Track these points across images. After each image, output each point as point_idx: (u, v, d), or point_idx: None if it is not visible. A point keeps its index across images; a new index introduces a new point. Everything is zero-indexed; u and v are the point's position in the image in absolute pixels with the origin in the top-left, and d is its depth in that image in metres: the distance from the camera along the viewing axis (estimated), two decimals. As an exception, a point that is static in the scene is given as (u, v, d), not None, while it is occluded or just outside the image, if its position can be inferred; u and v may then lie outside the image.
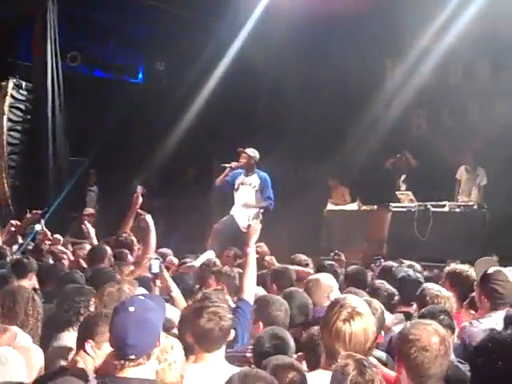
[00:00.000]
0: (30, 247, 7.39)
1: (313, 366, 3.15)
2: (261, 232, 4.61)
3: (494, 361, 2.38)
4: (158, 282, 4.71)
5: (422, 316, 3.74)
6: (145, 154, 12.61)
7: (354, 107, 11.60)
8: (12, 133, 10.84)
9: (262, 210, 8.72)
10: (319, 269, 5.66)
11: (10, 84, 10.73)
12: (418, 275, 5.15)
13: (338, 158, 11.58)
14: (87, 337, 3.16)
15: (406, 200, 9.72)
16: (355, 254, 8.78)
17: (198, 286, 5.29)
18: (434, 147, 11.16)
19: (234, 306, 4.16)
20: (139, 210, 6.27)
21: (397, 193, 10.04)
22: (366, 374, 2.51)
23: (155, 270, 4.48)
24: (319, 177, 11.56)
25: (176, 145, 12.72)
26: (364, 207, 10.20)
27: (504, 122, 10.04)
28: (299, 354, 3.39)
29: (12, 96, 10.78)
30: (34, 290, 4.88)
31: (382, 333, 3.80)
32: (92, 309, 3.86)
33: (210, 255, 6.86)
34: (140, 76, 14.07)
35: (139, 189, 7.01)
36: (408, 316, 4.57)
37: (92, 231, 7.00)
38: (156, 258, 4.67)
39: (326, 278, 4.73)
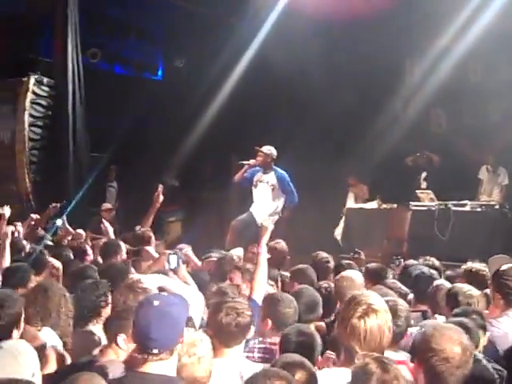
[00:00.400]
0: (50, 242, 7.43)
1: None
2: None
3: None
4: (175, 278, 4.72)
5: (455, 315, 3.71)
6: (164, 151, 12.65)
7: (374, 106, 11.55)
8: (33, 128, 10.92)
9: (282, 207, 8.75)
10: (337, 268, 5.63)
11: (32, 80, 10.80)
12: (433, 272, 5.08)
13: (358, 156, 11.53)
14: (119, 330, 3.19)
15: (426, 199, 9.65)
16: (375, 252, 8.72)
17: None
18: (454, 146, 11.08)
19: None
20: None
21: (417, 191, 9.97)
22: (389, 370, 2.48)
23: (173, 265, 4.47)
24: (339, 175, 11.52)
25: (195, 142, 12.74)
26: (384, 206, 10.15)
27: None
28: (327, 352, 3.38)
29: (33, 92, 10.85)
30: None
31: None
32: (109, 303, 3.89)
33: (238, 252, 6.84)
34: (160, 73, 14.11)
35: (160, 187, 7.03)
36: (424, 314, 4.55)
37: (110, 229, 7.04)
38: (174, 253, 4.65)
39: (359, 277, 4.72)
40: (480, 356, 3.01)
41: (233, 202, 12.22)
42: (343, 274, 4.83)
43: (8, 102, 10.92)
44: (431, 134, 12.12)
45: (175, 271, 4.46)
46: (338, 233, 10.75)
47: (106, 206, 10.57)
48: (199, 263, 6.24)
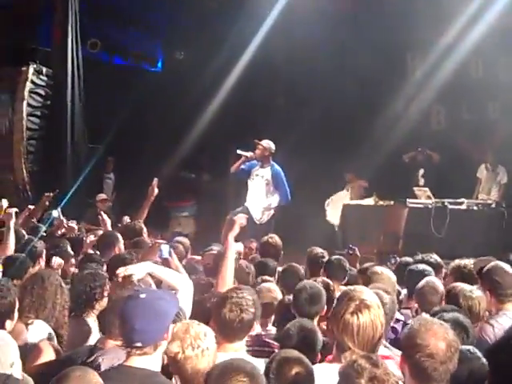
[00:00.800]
0: (44, 233, 7.39)
1: None
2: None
3: None
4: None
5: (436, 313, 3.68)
6: (162, 142, 12.62)
7: (374, 102, 11.53)
8: (31, 118, 10.91)
9: (275, 205, 8.77)
10: (327, 263, 5.52)
11: (31, 69, 10.78)
12: (427, 268, 4.96)
13: (357, 152, 11.50)
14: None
15: (423, 196, 9.63)
16: (370, 249, 8.71)
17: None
18: (453, 144, 11.05)
19: None
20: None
21: (414, 189, 9.95)
22: (379, 365, 2.47)
23: (165, 255, 4.46)
24: (338, 171, 11.51)
25: (193, 134, 12.71)
26: (381, 202, 10.13)
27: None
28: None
29: (32, 81, 10.83)
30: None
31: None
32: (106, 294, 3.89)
33: (238, 247, 6.81)
34: (159, 65, 14.07)
35: (155, 181, 7.00)
36: (417, 311, 4.53)
37: (108, 221, 6.95)
38: (166, 244, 4.63)
39: (391, 275, 4.70)
40: (479, 354, 3.00)
41: (230, 193, 12.22)
42: (375, 268, 4.80)
43: (6, 91, 10.89)
44: (430, 131, 12.11)
45: (167, 261, 4.44)
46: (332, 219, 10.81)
47: (101, 196, 10.47)
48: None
